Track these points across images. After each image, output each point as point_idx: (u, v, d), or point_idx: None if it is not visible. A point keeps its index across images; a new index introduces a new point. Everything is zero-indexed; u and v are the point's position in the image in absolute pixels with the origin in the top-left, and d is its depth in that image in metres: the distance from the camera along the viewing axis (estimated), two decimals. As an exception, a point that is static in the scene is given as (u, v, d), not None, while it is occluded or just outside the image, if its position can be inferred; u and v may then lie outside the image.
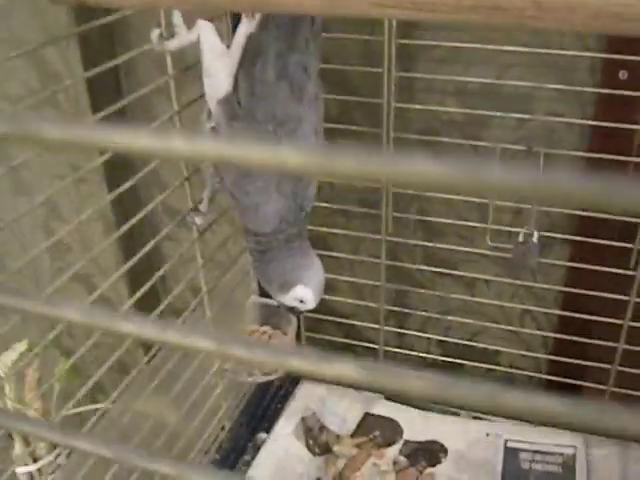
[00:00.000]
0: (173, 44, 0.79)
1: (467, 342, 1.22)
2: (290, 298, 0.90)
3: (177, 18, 0.77)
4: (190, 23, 0.77)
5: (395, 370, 0.19)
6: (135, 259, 0.88)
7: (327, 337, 1.27)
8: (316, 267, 0.91)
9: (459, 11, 0.56)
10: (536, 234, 1.02)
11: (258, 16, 0.75)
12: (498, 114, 0.99)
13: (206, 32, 0.78)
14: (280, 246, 0.87)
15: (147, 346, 0.98)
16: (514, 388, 0.19)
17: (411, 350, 1.25)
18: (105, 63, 0.81)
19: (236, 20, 0.83)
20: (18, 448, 1.18)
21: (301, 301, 0.90)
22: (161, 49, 0.80)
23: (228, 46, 0.78)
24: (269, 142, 0.76)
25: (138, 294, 0.92)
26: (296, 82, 0.78)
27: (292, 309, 0.93)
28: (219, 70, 0.78)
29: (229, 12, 0.91)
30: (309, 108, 0.80)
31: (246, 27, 0.76)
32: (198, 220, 0.92)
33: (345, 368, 0.19)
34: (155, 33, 0.80)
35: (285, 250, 0.87)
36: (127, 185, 0.85)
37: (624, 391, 1.10)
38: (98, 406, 1.05)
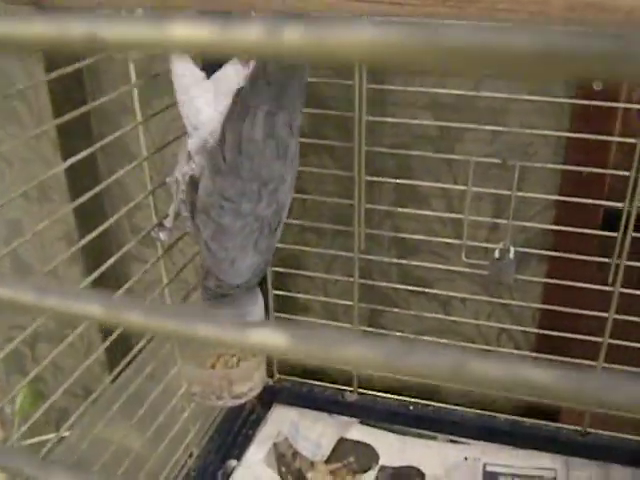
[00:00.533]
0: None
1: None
2: None
3: None
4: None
5: (335, 336, 0.16)
6: (96, 274, 0.84)
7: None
8: (260, 301, 0.96)
9: (428, 4, 0.54)
10: (512, 250, 1.00)
11: (251, 67, 0.74)
12: (472, 127, 0.97)
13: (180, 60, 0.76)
14: (241, 290, 0.90)
15: (113, 367, 0.95)
16: (482, 355, 0.16)
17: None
18: (69, 74, 0.78)
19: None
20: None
21: None
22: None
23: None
24: (253, 200, 0.74)
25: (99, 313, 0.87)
26: (282, 142, 0.77)
27: None
28: (197, 97, 0.77)
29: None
30: (290, 166, 0.81)
31: (238, 70, 0.75)
32: (163, 236, 0.89)
33: (267, 335, 0.16)
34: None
35: (242, 292, 0.91)
36: (90, 194, 0.82)
37: (604, 412, 1.07)
38: (53, 435, 1.00)
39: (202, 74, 0.78)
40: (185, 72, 0.77)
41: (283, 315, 1.20)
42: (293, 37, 0.14)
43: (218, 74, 0.78)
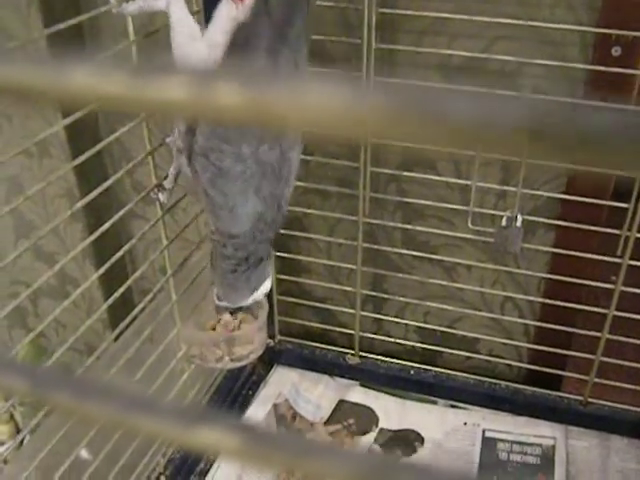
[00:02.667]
0: (132, 8, 0.74)
1: (446, 329, 1.18)
2: (260, 294, 0.90)
3: None
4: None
5: (293, 442, 0.14)
6: (97, 234, 0.83)
7: (301, 322, 1.22)
8: (268, 279, 0.92)
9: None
10: (520, 218, 0.98)
11: (246, 4, 0.70)
12: (483, 90, 0.94)
13: (177, 8, 0.73)
14: (263, 247, 0.86)
15: (115, 325, 0.94)
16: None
17: (388, 336, 1.21)
18: (68, 26, 0.75)
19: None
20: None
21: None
22: (120, 12, 0.75)
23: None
24: (253, 143, 0.69)
25: (100, 271, 0.86)
26: None
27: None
28: (190, 56, 0.73)
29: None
30: None
31: (230, 10, 0.71)
32: (162, 197, 0.87)
33: (216, 435, 0.14)
34: None
35: (252, 267, 0.88)
36: (90, 153, 0.80)
37: (607, 382, 1.07)
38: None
39: (197, 29, 0.74)
40: (182, 28, 0.74)
41: (286, 277, 1.19)
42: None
43: (214, 18, 0.74)
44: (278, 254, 1.16)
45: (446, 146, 0.13)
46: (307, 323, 1.22)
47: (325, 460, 0.14)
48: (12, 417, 1.20)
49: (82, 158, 0.80)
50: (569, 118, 0.11)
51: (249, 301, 0.91)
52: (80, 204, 0.81)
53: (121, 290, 0.89)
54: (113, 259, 0.87)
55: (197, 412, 0.15)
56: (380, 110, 0.12)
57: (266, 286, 0.90)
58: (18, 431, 1.23)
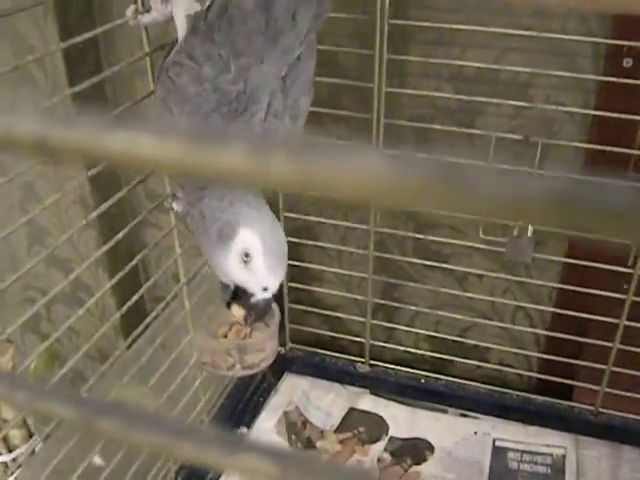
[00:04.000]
0: (146, 18, 0.76)
1: (457, 338, 1.18)
2: (235, 255, 0.71)
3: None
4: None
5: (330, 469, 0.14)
6: (111, 243, 0.84)
7: (312, 330, 1.22)
8: (274, 224, 0.75)
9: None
10: (531, 228, 0.98)
11: None
12: (495, 101, 0.94)
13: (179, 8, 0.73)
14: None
15: (128, 332, 0.95)
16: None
17: (399, 345, 1.21)
18: (84, 37, 0.76)
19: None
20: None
21: (247, 256, 0.71)
22: (136, 24, 0.76)
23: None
24: (217, 67, 0.63)
25: (114, 280, 0.87)
26: (276, 22, 0.70)
27: (241, 295, 0.74)
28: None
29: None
30: (280, 57, 0.72)
31: None
32: (176, 206, 0.88)
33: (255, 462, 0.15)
34: (131, 9, 0.77)
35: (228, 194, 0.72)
36: (104, 164, 0.80)
37: (618, 392, 1.06)
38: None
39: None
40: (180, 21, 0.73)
41: (297, 285, 1.19)
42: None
43: None
44: (289, 262, 1.16)
45: (477, 216, 0.13)
46: (318, 331, 1.23)
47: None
48: (24, 421, 1.21)
49: (97, 168, 0.81)
50: (589, 197, 0.12)
51: (220, 265, 0.74)
52: (94, 214, 0.82)
53: (135, 298, 0.90)
54: (127, 268, 0.88)
55: (236, 439, 0.15)
56: (419, 184, 0.12)
57: (243, 241, 0.72)
58: (30, 435, 1.23)
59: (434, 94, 0.99)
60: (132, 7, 0.76)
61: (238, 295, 0.74)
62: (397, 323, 1.22)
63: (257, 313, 0.75)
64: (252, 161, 0.12)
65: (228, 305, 0.75)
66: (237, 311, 0.75)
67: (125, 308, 0.88)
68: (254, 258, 0.71)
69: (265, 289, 0.74)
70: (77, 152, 0.13)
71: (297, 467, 0.14)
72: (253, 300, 0.74)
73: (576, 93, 0.95)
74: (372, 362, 1.20)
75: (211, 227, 0.71)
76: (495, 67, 0.95)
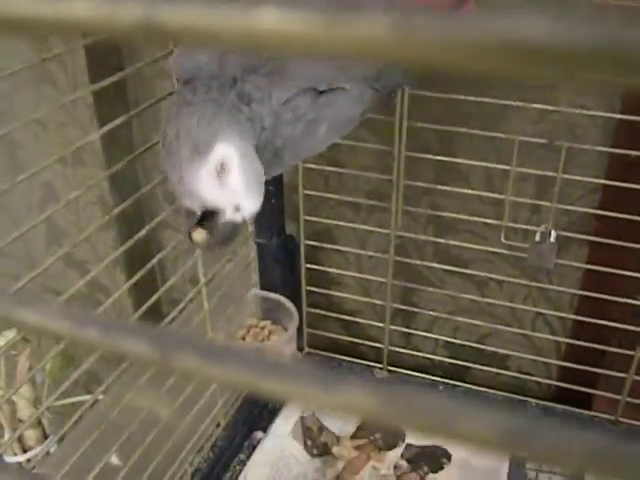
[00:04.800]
0: None
1: (476, 344, 1.17)
2: (209, 168, 0.65)
3: None
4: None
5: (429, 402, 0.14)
6: (129, 244, 0.83)
7: (330, 334, 1.22)
8: (254, 154, 0.69)
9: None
10: (554, 233, 0.97)
11: None
12: (518, 104, 0.94)
13: None
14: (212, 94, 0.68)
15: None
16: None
17: (417, 351, 1.20)
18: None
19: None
20: (7, 437, 1.14)
21: (222, 169, 0.65)
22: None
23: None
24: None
25: (131, 281, 0.87)
26: None
27: (208, 218, 0.66)
28: None
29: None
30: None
31: None
32: (197, 206, 0.87)
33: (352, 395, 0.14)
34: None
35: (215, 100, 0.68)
36: (125, 161, 0.80)
37: (639, 402, 1.05)
38: (88, 397, 1.01)
39: None
40: None
41: (315, 289, 1.18)
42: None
43: None
44: (308, 266, 1.16)
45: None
46: (335, 336, 1.22)
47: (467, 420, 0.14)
48: (39, 422, 1.21)
49: (117, 167, 0.80)
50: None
51: (189, 184, 0.66)
52: (113, 212, 0.81)
53: (152, 300, 0.89)
54: (145, 269, 0.88)
55: (333, 374, 0.15)
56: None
57: (219, 153, 0.67)
58: (45, 437, 1.23)
59: (457, 97, 0.98)
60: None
61: (204, 219, 0.66)
62: (415, 329, 1.21)
63: (222, 235, 0.67)
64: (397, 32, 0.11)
65: (189, 234, 0.66)
66: (199, 235, 0.66)
67: (143, 309, 0.88)
68: (231, 171, 0.66)
69: (237, 209, 0.67)
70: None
71: (400, 402, 0.14)
72: (220, 221, 0.66)
73: (601, 97, 0.94)
74: (390, 368, 1.19)
75: (185, 143, 0.66)
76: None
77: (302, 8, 0.11)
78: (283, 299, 1.08)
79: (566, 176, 0.95)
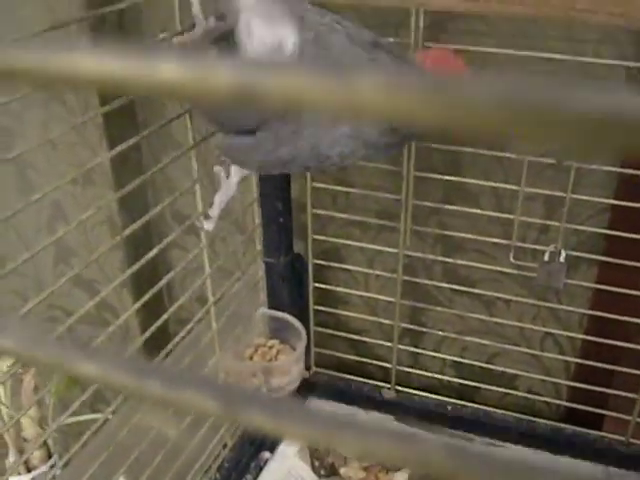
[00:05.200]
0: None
1: (484, 364, 1.16)
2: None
3: (196, 7, 0.73)
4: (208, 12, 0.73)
5: None
6: (138, 265, 0.83)
7: (337, 354, 1.21)
8: None
9: (506, 2, 0.51)
10: (563, 253, 0.97)
11: None
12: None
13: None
14: None
15: (150, 354, 0.94)
16: None
17: (425, 370, 1.19)
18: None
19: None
20: (12, 457, 1.13)
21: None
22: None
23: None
24: None
25: (140, 303, 0.87)
26: None
27: None
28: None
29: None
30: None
31: None
32: (207, 225, 0.87)
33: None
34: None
35: None
36: (135, 183, 0.80)
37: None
38: (96, 416, 1.00)
39: None
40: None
41: (322, 308, 1.18)
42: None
43: None
44: (316, 285, 1.16)
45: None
46: (343, 355, 1.21)
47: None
48: (44, 441, 1.20)
49: (127, 188, 0.80)
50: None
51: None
52: (124, 234, 0.81)
53: (160, 321, 0.89)
54: (154, 290, 0.87)
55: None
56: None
57: None
58: (49, 456, 1.23)
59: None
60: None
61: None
62: (423, 348, 1.20)
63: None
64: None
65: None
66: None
67: (151, 330, 0.88)
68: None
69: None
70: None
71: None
72: None
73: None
74: (398, 388, 1.18)
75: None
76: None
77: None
78: (291, 318, 1.08)
79: (575, 196, 0.95)
